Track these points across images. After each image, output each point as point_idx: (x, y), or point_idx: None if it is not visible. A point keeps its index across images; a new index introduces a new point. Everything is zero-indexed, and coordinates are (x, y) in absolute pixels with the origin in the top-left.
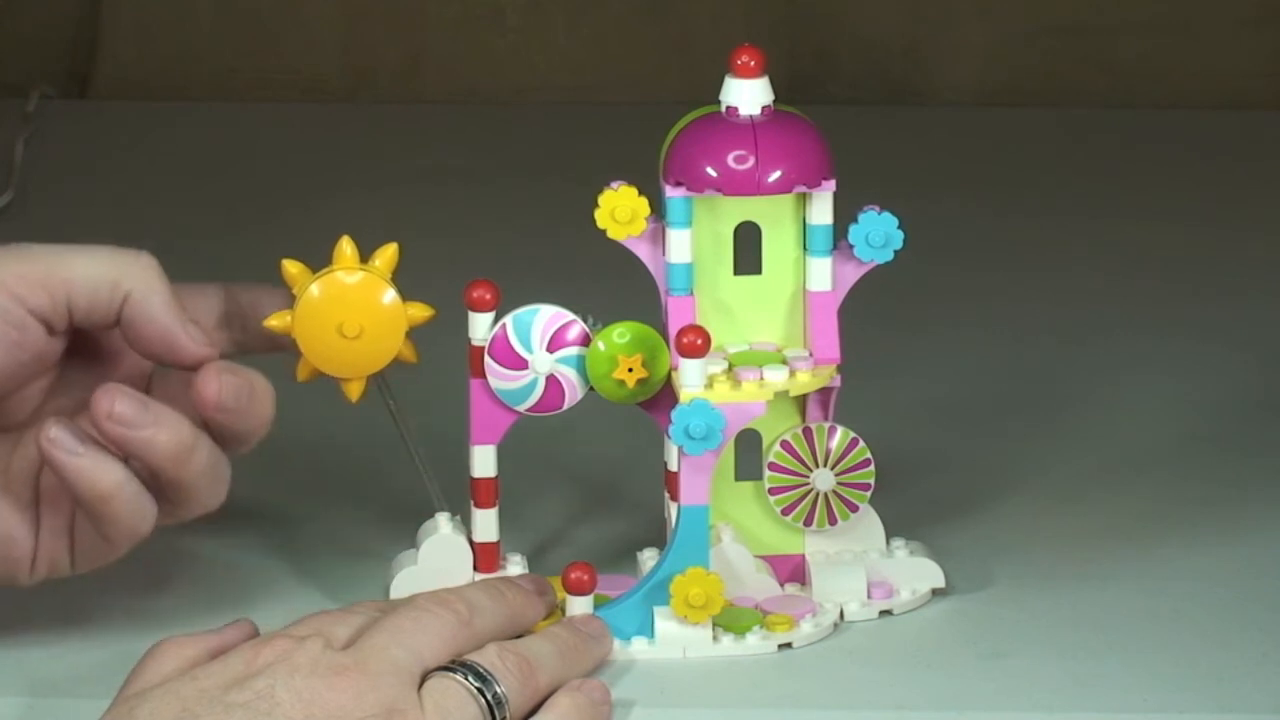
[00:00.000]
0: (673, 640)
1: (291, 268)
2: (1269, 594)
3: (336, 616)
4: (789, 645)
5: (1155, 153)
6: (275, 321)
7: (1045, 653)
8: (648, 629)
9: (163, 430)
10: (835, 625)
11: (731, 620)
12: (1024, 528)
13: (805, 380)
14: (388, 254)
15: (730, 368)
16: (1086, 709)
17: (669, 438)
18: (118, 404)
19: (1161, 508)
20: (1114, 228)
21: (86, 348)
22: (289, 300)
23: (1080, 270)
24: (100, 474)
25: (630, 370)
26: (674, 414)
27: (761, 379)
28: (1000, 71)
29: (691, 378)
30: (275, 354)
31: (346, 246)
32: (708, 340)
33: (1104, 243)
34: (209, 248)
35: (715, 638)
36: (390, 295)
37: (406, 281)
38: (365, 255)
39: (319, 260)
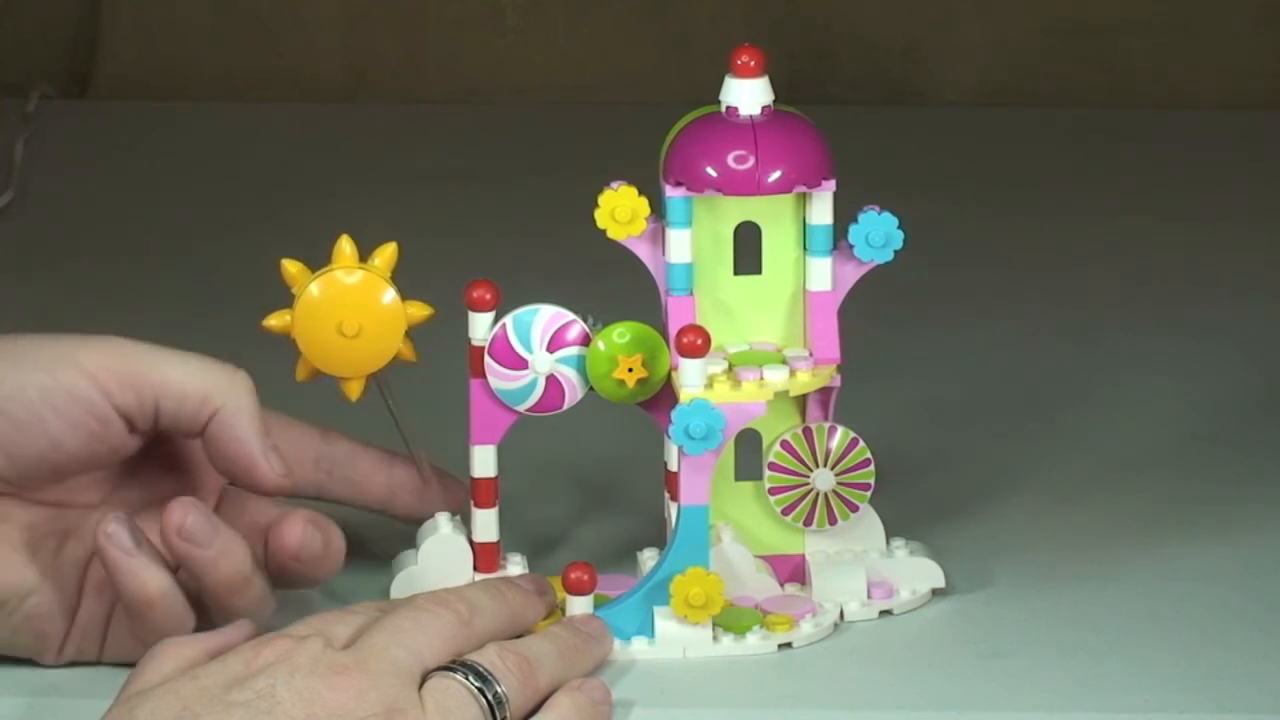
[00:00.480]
0: (673, 640)
1: (291, 267)
2: (1269, 594)
3: (337, 616)
4: (789, 645)
5: (1155, 153)
6: (275, 321)
7: (1045, 653)
8: (648, 629)
9: (227, 557)
10: (835, 625)
11: (732, 620)
12: (1024, 528)
13: (805, 380)
14: (387, 253)
15: (730, 368)
16: (1086, 709)
17: (669, 438)
18: (190, 519)
19: (1161, 508)
20: (1114, 227)
21: (165, 448)
22: (384, 460)
23: (1080, 270)
24: (149, 578)
25: (630, 370)
26: (674, 414)
27: (761, 379)
28: (1000, 71)
29: (691, 378)
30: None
31: (346, 245)
32: (708, 340)
33: (1104, 242)
34: (209, 247)
35: (715, 638)
36: (389, 294)
37: (406, 281)
38: (365, 255)
39: (319, 260)
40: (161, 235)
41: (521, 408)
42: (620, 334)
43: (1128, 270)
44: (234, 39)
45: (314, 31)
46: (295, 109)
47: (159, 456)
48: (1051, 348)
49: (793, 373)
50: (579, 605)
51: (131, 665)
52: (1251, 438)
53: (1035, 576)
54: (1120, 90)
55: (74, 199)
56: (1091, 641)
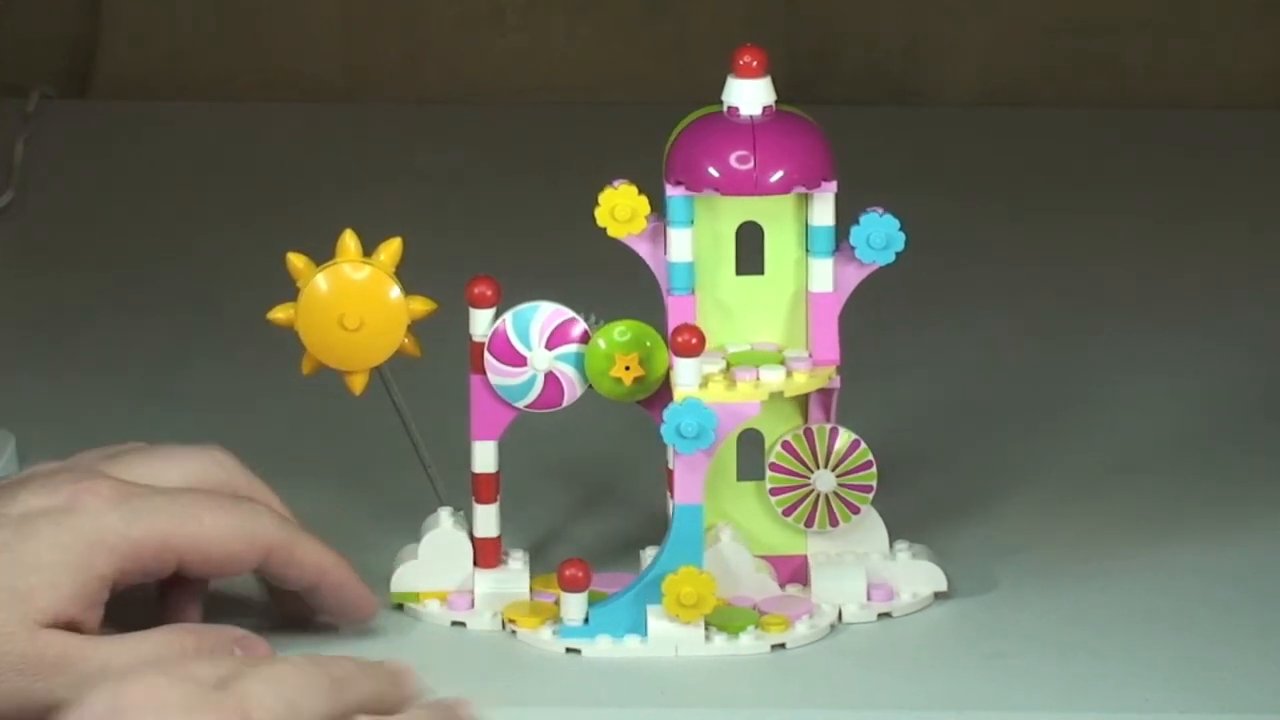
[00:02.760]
0: (665, 639)
1: (296, 261)
2: (1269, 593)
3: (201, 659)
4: (782, 646)
5: (1155, 153)
6: (279, 314)
7: (1045, 653)
8: (641, 627)
9: None
10: (831, 627)
11: (726, 620)
12: (1024, 528)
13: (802, 381)
14: (392, 248)
15: (728, 367)
16: (1086, 709)
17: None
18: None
19: (1161, 507)
20: (1113, 227)
21: None
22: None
23: (1080, 270)
24: None
25: (627, 368)
26: (666, 413)
27: (757, 379)
28: (1000, 71)
29: (685, 377)
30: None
31: (350, 240)
32: (702, 340)
33: (1103, 242)
34: (208, 247)
35: (708, 637)
36: (392, 289)
37: (406, 280)
38: (369, 251)
39: (322, 258)
40: (161, 235)
41: (521, 404)
42: (621, 332)
43: (1127, 270)
44: (234, 39)
45: (314, 31)
46: (295, 109)
47: None
48: (1052, 348)
49: (789, 373)
50: (574, 602)
51: None
52: (1252, 438)
53: (1035, 576)
54: (1120, 90)
55: (74, 199)
56: (1091, 641)
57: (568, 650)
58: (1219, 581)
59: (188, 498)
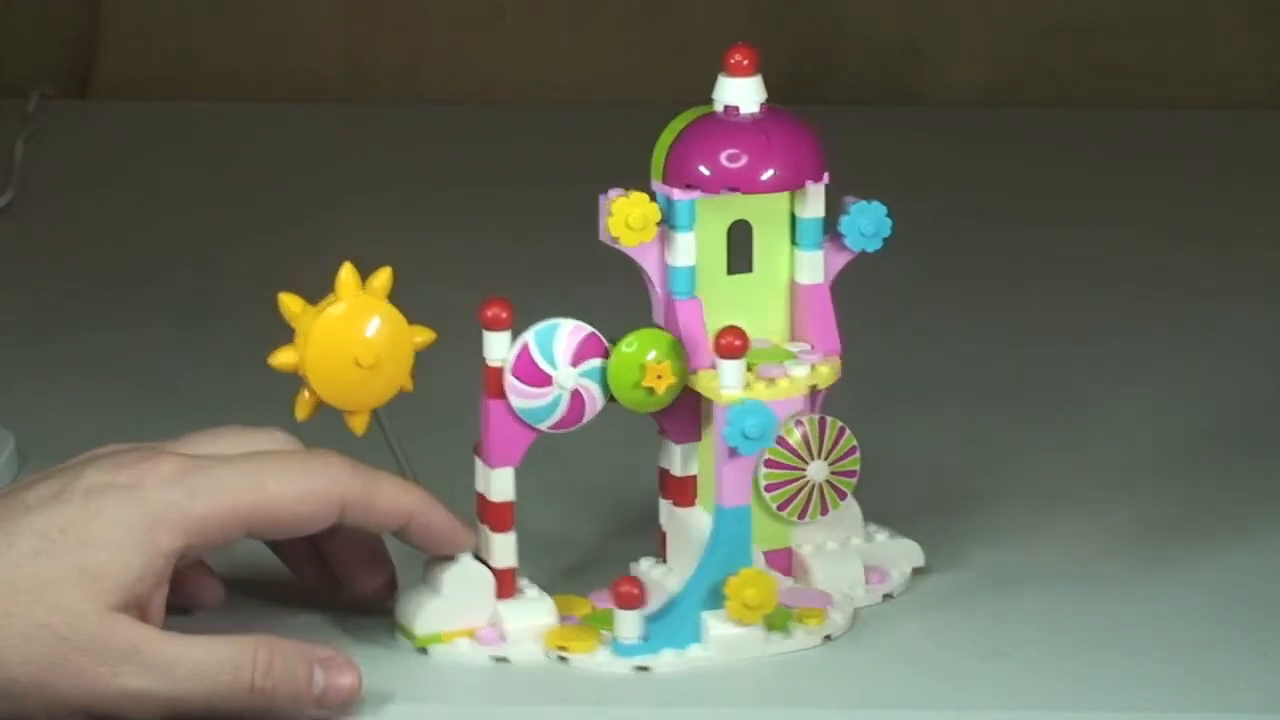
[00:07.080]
0: (729, 644)
1: (291, 304)
2: (1269, 594)
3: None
4: (829, 637)
5: (1155, 153)
6: (284, 359)
7: (1045, 653)
8: (699, 636)
9: None
10: (855, 612)
11: (771, 619)
12: (1024, 528)
13: (826, 373)
14: (383, 277)
15: (749, 367)
16: (1086, 709)
17: (667, 440)
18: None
19: (1162, 508)
20: (1114, 227)
21: None
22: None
23: (1080, 270)
24: None
25: (659, 377)
26: (728, 415)
27: (788, 375)
28: (1000, 71)
29: (730, 378)
30: None
31: (348, 275)
32: (746, 341)
33: (1104, 242)
34: (209, 247)
35: (765, 638)
36: (397, 322)
37: (404, 285)
38: (363, 267)
39: (319, 266)
40: (161, 235)
41: (544, 425)
42: (643, 341)
43: (1127, 270)
44: (234, 39)
45: (314, 31)
46: (295, 109)
47: None
48: (1051, 348)
49: (812, 367)
50: (629, 620)
51: None
52: (1251, 438)
53: (1035, 576)
54: (1120, 90)
55: (74, 199)
56: (1091, 641)
57: (637, 669)
58: (1219, 582)
59: (253, 464)
